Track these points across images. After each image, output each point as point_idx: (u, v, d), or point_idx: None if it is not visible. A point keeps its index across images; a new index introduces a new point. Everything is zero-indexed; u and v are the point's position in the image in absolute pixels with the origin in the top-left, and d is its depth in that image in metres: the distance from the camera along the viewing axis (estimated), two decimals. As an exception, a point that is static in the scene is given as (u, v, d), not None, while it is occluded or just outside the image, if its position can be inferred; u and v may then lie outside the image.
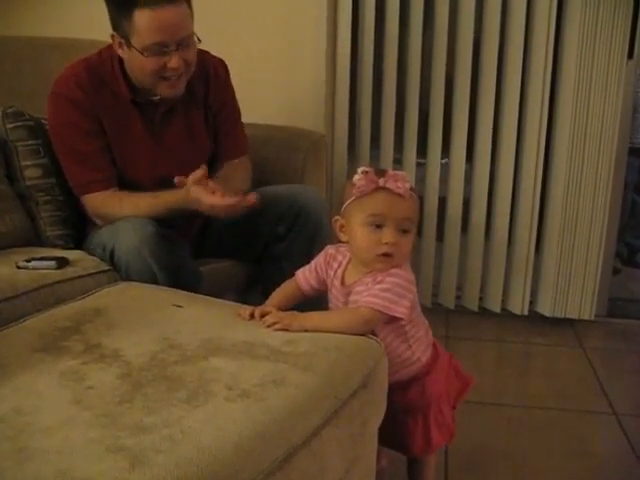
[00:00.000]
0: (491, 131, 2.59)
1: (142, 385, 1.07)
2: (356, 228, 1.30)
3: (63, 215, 1.97)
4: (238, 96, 2.10)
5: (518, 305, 2.71)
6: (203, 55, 1.89)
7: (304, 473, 1.00)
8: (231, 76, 2.03)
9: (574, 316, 2.66)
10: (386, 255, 1.28)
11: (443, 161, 2.70)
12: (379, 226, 1.28)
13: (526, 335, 2.65)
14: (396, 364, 1.35)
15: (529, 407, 2.08)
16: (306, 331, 1.25)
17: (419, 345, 1.39)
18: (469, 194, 2.69)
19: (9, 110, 1.94)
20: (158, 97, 1.82)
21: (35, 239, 1.97)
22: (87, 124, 1.79)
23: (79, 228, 1.99)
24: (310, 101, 2.60)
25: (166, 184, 1.74)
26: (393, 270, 1.29)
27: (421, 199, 2.71)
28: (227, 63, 2.02)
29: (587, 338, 2.61)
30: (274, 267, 1.89)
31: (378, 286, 1.27)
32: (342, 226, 1.35)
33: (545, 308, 2.68)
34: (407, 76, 2.63)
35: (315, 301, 1.43)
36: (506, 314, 2.75)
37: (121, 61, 1.80)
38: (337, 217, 1.35)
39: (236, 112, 2.05)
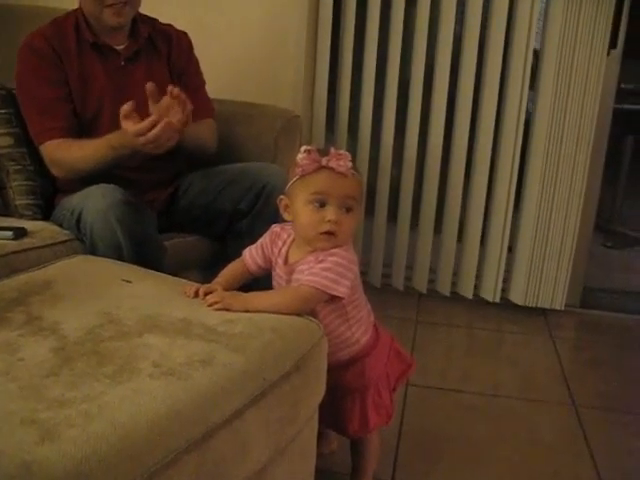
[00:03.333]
0: (470, 111, 2.58)
1: (72, 359, 1.07)
2: (300, 207, 1.30)
3: (33, 185, 1.98)
4: (217, 72, 2.13)
5: (490, 292, 2.71)
6: (167, 25, 2.05)
7: (222, 453, 1.01)
8: (210, 51, 2.14)
9: (546, 305, 2.67)
10: (329, 233, 1.28)
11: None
12: (322, 205, 1.28)
13: (497, 322, 2.65)
14: (335, 344, 1.35)
15: (490, 395, 2.09)
16: (247, 311, 1.25)
17: (359, 326, 1.39)
18: (445, 177, 2.68)
19: (-19, 79, 1.95)
20: (122, 47, 1.93)
21: (3, 209, 1.97)
22: (49, 71, 1.85)
23: (49, 199, 2.00)
24: (289, 80, 2.59)
25: None
26: (334, 250, 1.29)
27: (397, 180, 2.71)
28: (207, 38, 2.15)
29: (558, 328, 2.61)
30: (237, 244, 1.87)
31: (319, 265, 1.28)
32: (287, 206, 1.35)
33: (517, 296, 2.69)
34: (388, 57, 2.61)
35: (263, 283, 1.43)
36: (478, 300, 2.76)
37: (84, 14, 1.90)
38: (282, 196, 1.35)
39: (199, 78, 2.11)
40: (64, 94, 1.87)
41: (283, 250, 1.38)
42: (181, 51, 2.06)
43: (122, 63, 1.95)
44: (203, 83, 2.12)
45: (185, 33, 2.09)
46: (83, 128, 1.90)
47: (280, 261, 1.38)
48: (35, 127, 1.89)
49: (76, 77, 1.88)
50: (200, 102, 2.02)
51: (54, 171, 1.89)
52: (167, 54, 2.03)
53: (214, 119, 2.09)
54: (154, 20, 2.05)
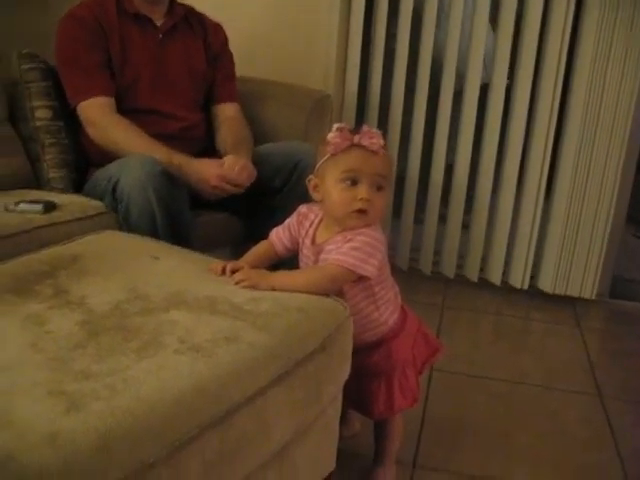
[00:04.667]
0: (503, 96, 2.53)
1: (98, 333, 1.08)
2: (331, 185, 1.29)
3: (67, 158, 2.01)
4: (248, 52, 2.20)
5: (519, 279, 2.68)
6: (202, 14, 2.13)
7: (244, 431, 1.01)
8: (242, 31, 2.27)
9: (575, 294, 2.63)
10: (361, 211, 1.27)
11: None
12: (354, 183, 1.27)
13: (524, 310, 2.63)
14: (362, 325, 1.35)
15: (515, 382, 2.07)
16: (274, 290, 1.25)
17: (387, 307, 1.38)
18: (477, 163, 2.65)
19: (24, 51, 1.99)
20: (161, 21, 2.01)
21: (35, 182, 1.99)
22: (91, 37, 1.90)
23: (81, 174, 2.02)
24: (321, 60, 2.58)
25: (161, 109, 1.94)
26: (363, 229, 1.28)
27: (427, 165, 2.69)
28: (239, 19, 2.28)
29: (586, 318, 2.58)
30: (269, 221, 1.88)
31: (348, 244, 1.27)
32: (316, 185, 1.34)
33: (546, 284, 2.66)
34: (420, 40, 2.58)
35: (289, 263, 1.43)
36: (506, 287, 2.73)
37: None
38: (310, 176, 1.34)
39: (231, 68, 2.18)
40: (104, 60, 1.92)
41: (310, 230, 1.37)
42: (217, 39, 2.14)
43: (160, 36, 2.00)
44: (234, 74, 2.20)
45: (220, 26, 2.17)
46: (120, 96, 1.94)
47: (307, 241, 1.37)
48: (73, 88, 1.93)
49: (116, 46, 1.93)
50: (230, 88, 2.16)
51: (90, 131, 1.92)
52: (203, 37, 2.10)
53: (240, 106, 2.17)
54: (189, 6, 2.12)
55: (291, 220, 1.42)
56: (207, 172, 1.79)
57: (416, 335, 1.45)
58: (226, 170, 1.78)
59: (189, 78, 2.05)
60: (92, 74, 1.90)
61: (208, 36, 2.11)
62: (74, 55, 1.91)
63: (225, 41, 2.17)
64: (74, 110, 1.94)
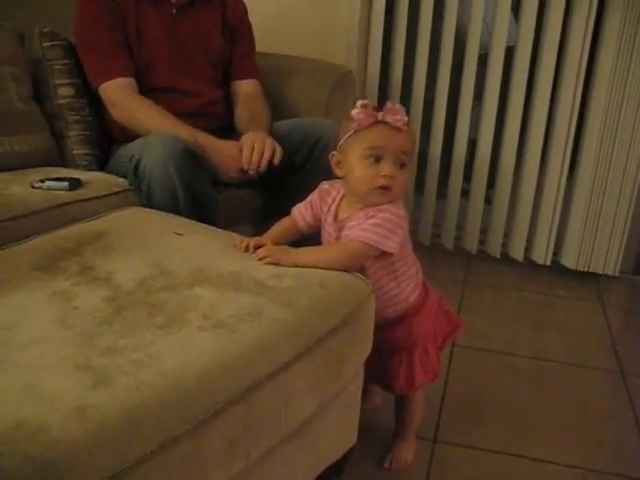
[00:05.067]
0: (527, 71, 2.51)
1: (124, 309, 1.10)
2: (354, 162, 1.29)
3: (90, 135, 2.02)
4: (271, 27, 2.18)
5: (541, 255, 2.67)
6: None
7: (267, 405, 1.02)
8: (265, 6, 2.26)
9: (598, 270, 2.62)
10: (384, 188, 1.28)
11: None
12: (377, 160, 1.28)
13: (547, 286, 2.62)
14: (384, 301, 1.36)
15: (536, 359, 2.08)
16: (296, 266, 1.26)
17: (408, 283, 1.39)
18: (500, 138, 2.63)
19: (45, 29, 2.00)
20: None
21: (59, 159, 2.01)
22: (108, 18, 1.90)
23: (105, 150, 2.03)
24: (343, 36, 2.56)
25: (180, 87, 1.96)
26: (385, 206, 1.29)
27: (451, 140, 2.68)
28: None
29: (609, 294, 2.57)
30: (291, 197, 1.90)
31: (370, 221, 1.27)
32: (339, 162, 1.34)
33: (568, 260, 2.64)
34: (443, 19, 2.56)
35: (311, 239, 1.44)
36: (528, 263, 2.73)
37: None
38: (333, 152, 1.34)
39: (251, 41, 2.17)
40: (122, 40, 1.92)
41: (332, 207, 1.38)
42: (236, 12, 2.11)
43: (173, 12, 1.99)
44: (254, 47, 2.18)
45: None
46: (138, 75, 1.95)
47: (330, 218, 1.38)
48: (94, 69, 1.94)
49: (132, 24, 1.93)
50: (248, 64, 2.15)
51: (114, 113, 1.93)
52: (221, 11, 2.08)
53: (260, 82, 2.16)
54: None
55: (313, 197, 1.42)
56: (227, 158, 1.81)
57: (437, 311, 1.46)
58: (245, 161, 1.79)
59: (205, 55, 2.04)
60: (112, 55, 1.91)
61: (227, 10, 2.08)
62: (93, 36, 1.92)
63: (244, 13, 2.15)
64: (96, 91, 1.95)
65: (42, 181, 1.69)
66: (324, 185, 1.42)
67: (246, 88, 2.11)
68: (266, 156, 1.80)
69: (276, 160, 1.81)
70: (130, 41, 1.93)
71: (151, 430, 0.87)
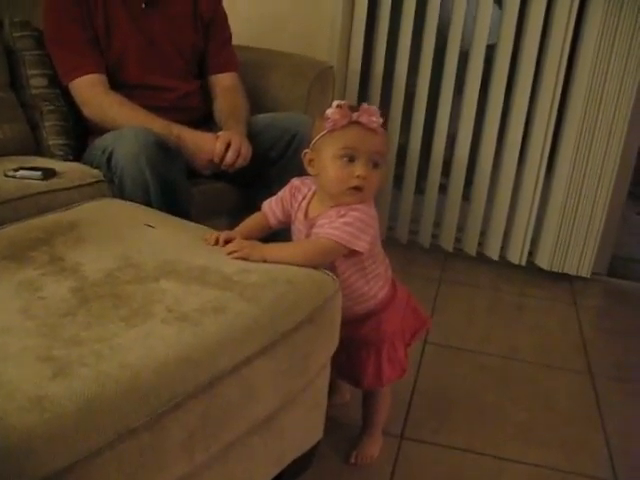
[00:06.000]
0: (507, 70, 2.53)
1: (90, 300, 1.10)
2: (327, 161, 1.30)
3: (66, 125, 2.01)
4: (252, 21, 2.14)
5: (517, 255, 2.70)
6: None
7: (229, 399, 1.03)
8: (247, 3, 2.24)
9: (572, 272, 2.64)
10: (357, 188, 1.29)
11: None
12: (351, 159, 1.28)
13: (521, 286, 2.64)
14: (353, 298, 1.37)
15: (507, 358, 2.10)
16: (265, 261, 1.26)
17: (377, 281, 1.40)
18: (478, 136, 2.65)
19: (16, 20, 1.98)
20: None
21: (35, 148, 2.00)
22: (77, 14, 1.88)
23: (81, 140, 2.03)
24: (325, 32, 2.57)
25: (153, 83, 1.93)
26: (356, 205, 1.30)
27: (429, 138, 2.69)
28: None
29: (582, 295, 2.60)
30: (266, 192, 1.90)
31: (341, 219, 1.28)
32: (311, 160, 1.34)
33: (543, 261, 2.67)
34: (426, 12, 2.57)
35: (282, 236, 1.45)
36: (504, 262, 2.75)
37: None
38: (306, 150, 1.35)
39: (226, 31, 2.14)
40: (91, 35, 1.91)
41: (303, 204, 1.38)
42: (209, 3, 2.08)
43: (143, 6, 1.96)
44: (229, 37, 2.16)
45: None
46: (110, 71, 1.93)
47: (300, 215, 1.38)
48: (64, 66, 1.92)
49: (101, 19, 1.91)
50: (225, 56, 2.13)
51: (85, 110, 1.92)
52: (193, 2, 2.05)
53: (238, 73, 2.14)
54: None
55: (283, 193, 1.43)
56: (202, 149, 1.81)
57: (405, 308, 1.48)
58: (217, 154, 1.80)
59: (177, 49, 2.02)
60: (81, 51, 1.89)
61: (199, 1, 2.05)
62: (61, 33, 1.90)
63: (218, 3, 2.12)
64: (66, 88, 1.94)
65: (16, 170, 1.68)
66: (295, 181, 1.43)
67: (224, 81, 2.10)
68: (241, 161, 1.82)
69: (238, 164, 1.83)
70: (99, 37, 1.91)
71: (109, 421, 0.88)
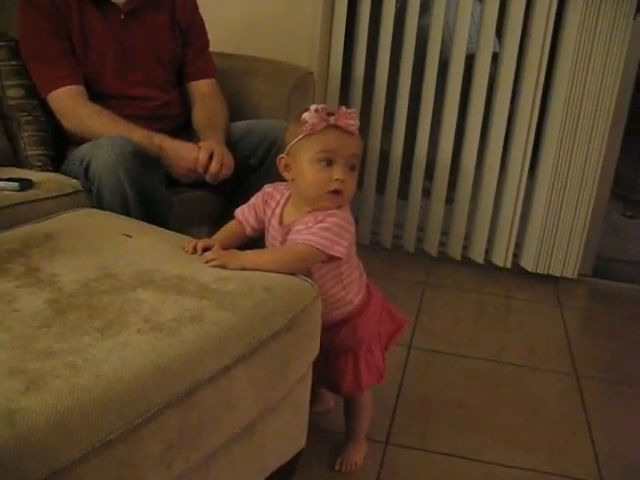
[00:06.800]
0: (487, 73, 2.53)
1: (65, 312, 1.09)
2: (305, 165, 1.29)
3: (44, 135, 1.99)
4: (232, 27, 2.15)
5: (501, 257, 2.70)
6: None
7: (207, 409, 1.02)
8: (226, 6, 2.30)
9: (557, 273, 2.65)
10: (336, 192, 1.28)
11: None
12: (329, 163, 1.28)
13: (506, 288, 2.64)
14: (329, 304, 1.36)
15: (493, 361, 2.09)
16: (243, 269, 1.25)
17: (353, 286, 1.40)
18: (461, 139, 2.65)
19: (-11, 30, 1.95)
20: (123, 0, 1.93)
21: (14, 159, 1.98)
22: (52, 25, 1.86)
23: (60, 151, 2.01)
24: (305, 37, 2.57)
25: (132, 93, 1.92)
26: (333, 210, 1.29)
27: (412, 141, 2.69)
28: None
29: (567, 297, 2.60)
30: (246, 200, 1.90)
31: (318, 225, 1.27)
32: (287, 165, 1.33)
33: (528, 263, 2.67)
34: (406, 16, 2.57)
35: (259, 242, 1.44)
36: (489, 265, 2.75)
37: None
38: (282, 155, 1.34)
39: (204, 38, 2.14)
40: (67, 46, 1.88)
41: (277, 211, 1.37)
42: (186, 10, 2.07)
43: (122, 17, 1.94)
44: (207, 44, 2.15)
45: None
46: (87, 82, 1.91)
47: (274, 221, 1.37)
48: (41, 79, 1.90)
49: (76, 30, 1.89)
50: (203, 63, 2.12)
51: (64, 122, 1.91)
52: (171, 10, 2.04)
53: (216, 79, 2.14)
54: None
55: (256, 200, 1.42)
56: (183, 158, 1.79)
57: (381, 312, 1.47)
58: (200, 164, 1.79)
59: (157, 59, 2.01)
60: (58, 63, 1.87)
61: (176, 9, 2.04)
62: (37, 45, 1.88)
63: (194, 9, 2.11)
64: (45, 100, 1.92)
65: (-7, 181, 1.67)
66: (267, 188, 1.42)
67: (202, 88, 2.09)
68: (224, 171, 1.81)
69: (222, 174, 1.82)
70: (75, 47, 1.89)
71: (83, 433, 0.86)
